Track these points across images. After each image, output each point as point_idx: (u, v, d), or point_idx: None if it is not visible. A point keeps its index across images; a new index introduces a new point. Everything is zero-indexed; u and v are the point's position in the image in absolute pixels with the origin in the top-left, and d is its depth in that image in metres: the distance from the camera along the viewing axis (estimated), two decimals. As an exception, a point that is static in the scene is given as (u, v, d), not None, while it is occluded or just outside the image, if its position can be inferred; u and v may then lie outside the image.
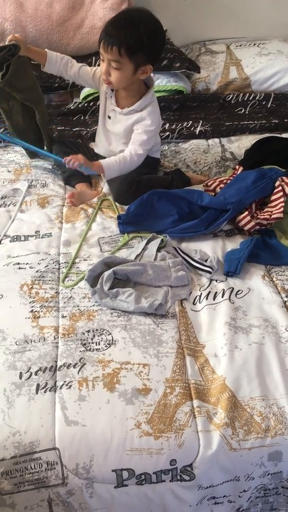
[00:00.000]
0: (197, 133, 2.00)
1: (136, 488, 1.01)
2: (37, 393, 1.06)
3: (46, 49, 1.63)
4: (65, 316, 1.23)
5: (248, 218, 1.49)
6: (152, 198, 1.54)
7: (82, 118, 2.03)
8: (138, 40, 1.45)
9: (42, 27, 2.06)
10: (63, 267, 1.38)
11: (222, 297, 1.30)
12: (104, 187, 1.72)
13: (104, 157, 1.67)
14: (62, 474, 0.99)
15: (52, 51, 1.63)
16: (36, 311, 1.24)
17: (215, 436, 1.02)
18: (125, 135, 1.66)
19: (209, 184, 1.69)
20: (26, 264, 1.38)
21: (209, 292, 1.32)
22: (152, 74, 1.62)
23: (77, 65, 1.65)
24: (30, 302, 1.26)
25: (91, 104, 2.07)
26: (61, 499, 1.00)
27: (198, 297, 1.31)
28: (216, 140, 2.02)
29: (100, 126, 1.74)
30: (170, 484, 1.01)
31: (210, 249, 1.45)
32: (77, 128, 1.95)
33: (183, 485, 1.02)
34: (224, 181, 1.66)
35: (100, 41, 1.49)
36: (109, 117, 1.68)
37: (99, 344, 1.16)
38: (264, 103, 2.20)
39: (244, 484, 1.05)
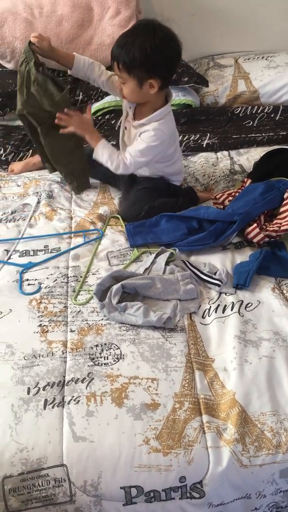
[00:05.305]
0: (204, 145, 2.01)
1: (145, 506, 0.99)
2: (45, 408, 1.05)
3: (74, 53, 1.60)
4: (74, 331, 1.23)
5: (257, 230, 1.48)
6: (161, 219, 1.56)
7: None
8: (132, 56, 1.43)
9: (51, 45, 2.09)
10: (72, 281, 1.38)
11: (232, 310, 1.29)
12: (115, 200, 1.73)
13: None
14: (70, 491, 0.98)
15: (80, 55, 1.60)
16: (44, 325, 1.24)
17: (225, 452, 1.00)
18: None
19: (217, 197, 1.68)
20: (35, 280, 1.38)
21: (218, 305, 1.31)
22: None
23: (106, 74, 1.63)
24: (38, 317, 1.26)
25: (99, 118, 2.08)
26: (69, 516, 0.99)
27: (207, 310, 1.30)
28: (225, 152, 2.02)
29: (119, 137, 1.72)
30: (180, 502, 1.00)
31: (219, 261, 1.44)
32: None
33: (193, 502, 1.00)
34: (233, 193, 1.66)
35: None
36: (126, 128, 1.67)
37: (107, 359, 1.16)
38: (272, 115, 2.20)
39: (256, 502, 1.02)
